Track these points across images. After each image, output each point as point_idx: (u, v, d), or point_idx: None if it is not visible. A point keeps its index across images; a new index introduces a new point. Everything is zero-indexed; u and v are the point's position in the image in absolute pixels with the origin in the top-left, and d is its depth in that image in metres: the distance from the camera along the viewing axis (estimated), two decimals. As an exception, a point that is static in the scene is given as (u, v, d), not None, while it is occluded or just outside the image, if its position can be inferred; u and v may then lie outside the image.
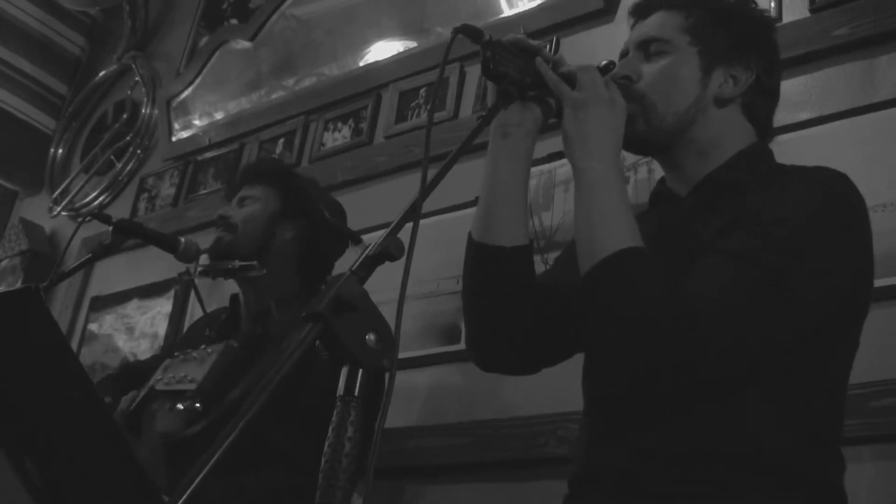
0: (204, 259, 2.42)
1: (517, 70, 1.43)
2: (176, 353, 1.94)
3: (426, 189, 1.17)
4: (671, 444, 1.32)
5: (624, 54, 1.56)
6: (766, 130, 1.57)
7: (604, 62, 1.48)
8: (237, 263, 2.25)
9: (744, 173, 1.47)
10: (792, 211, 1.33)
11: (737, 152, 1.50)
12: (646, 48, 1.53)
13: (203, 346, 1.87)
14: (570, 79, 1.43)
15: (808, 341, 1.33)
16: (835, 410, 1.39)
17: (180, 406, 1.82)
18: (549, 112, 1.52)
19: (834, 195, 1.37)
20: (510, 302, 1.50)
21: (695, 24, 1.52)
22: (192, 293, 3.38)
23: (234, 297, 2.44)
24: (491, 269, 1.50)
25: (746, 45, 1.53)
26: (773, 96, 1.58)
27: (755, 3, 1.60)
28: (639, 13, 1.59)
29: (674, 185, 1.56)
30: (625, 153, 1.52)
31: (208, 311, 2.55)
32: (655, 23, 1.54)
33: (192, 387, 1.79)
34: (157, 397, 1.92)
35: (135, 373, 2.45)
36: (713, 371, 1.26)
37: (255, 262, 2.25)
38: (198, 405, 1.79)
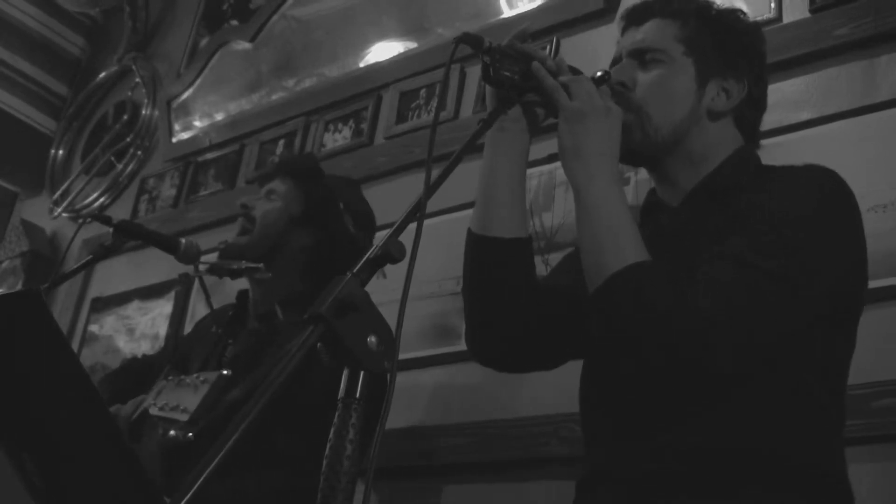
0: (209, 257, 2.41)
1: (517, 75, 1.43)
2: (170, 377, 1.94)
3: (429, 190, 1.17)
4: (684, 442, 1.32)
5: (617, 60, 1.56)
6: (752, 136, 1.58)
7: (598, 73, 1.48)
8: (244, 264, 2.25)
9: (735, 177, 1.47)
10: (787, 211, 1.34)
11: (725, 158, 1.50)
12: (641, 56, 1.53)
13: (196, 375, 1.87)
14: (564, 89, 1.42)
15: (811, 337, 1.34)
16: (838, 408, 1.40)
17: (172, 433, 1.82)
18: (536, 122, 1.53)
19: (827, 193, 1.38)
20: (509, 294, 1.50)
21: (690, 35, 1.52)
22: (194, 294, 3.39)
23: (241, 294, 2.43)
24: (490, 261, 1.51)
25: (739, 58, 1.53)
26: (761, 106, 1.59)
27: (745, 13, 1.60)
28: (633, 19, 1.58)
29: (665, 196, 1.56)
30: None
31: (212, 306, 2.54)
32: (651, 30, 1.54)
33: (185, 417, 1.79)
34: (151, 418, 1.93)
35: (135, 372, 2.44)
36: (722, 369, 1.26)
37: (261, 265, 2.24)
38: (190, 435, 1.79)
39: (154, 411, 1.88)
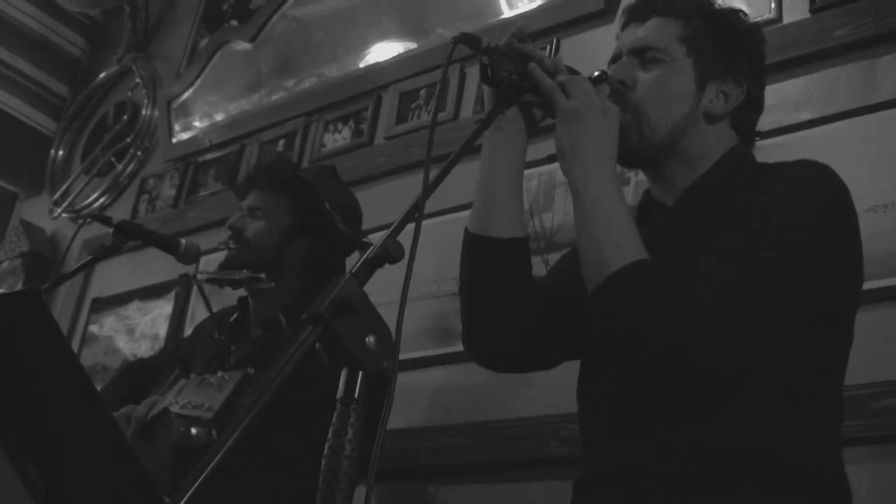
0: (207, 265, 2.40)
1: (514, 75, 1.43)
2: (192, 375, 1.93)
3: (427, 190, 1.17)
4: (684, 442, 1.32)
5: (617, 57, 1.56)
6: (748, 136, 1.58)
7: (595, 73, 1.48)
8: (245, 274, 2.24)
9: (730, 175, 1.47)
10: (787, 213, 1.34)
11: (720, 157, 1.50)
12: (641, 55, 1.52)
13: (221, 374, 1.85)
14: (562, 89, 1.42)
15: (810, 336, 1.34)
16: (837, 407, 1.40)
17: (194, 431, 1.80)
18: (534, 123, 1.53)
19: (825, 194, 1.38)
20: (507, 294, 1.50)
21: (692, 35, 1.52)
22: (194, 295, 3.38)
23: (242, 300, 2.43)
24: (487, 261, 1.50)
25: (739, 59, 1.53)
26: (758, 107, 1.59)
27: (746, 13, 1.60)
28: (635, 16, 1.57)
29: (660, 196, 1.56)
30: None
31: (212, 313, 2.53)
32: (653, 29, 1.53)
33: (210, 415, 1.77)
34: (171, 416, 1.91)
35: (135, 372, 2.44)
36: (722, 369, 1.27)
37: (262, 275, 2.23)
38: (214, 432, 1.77)
39: (175, 409, 1.86)
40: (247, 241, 2.31)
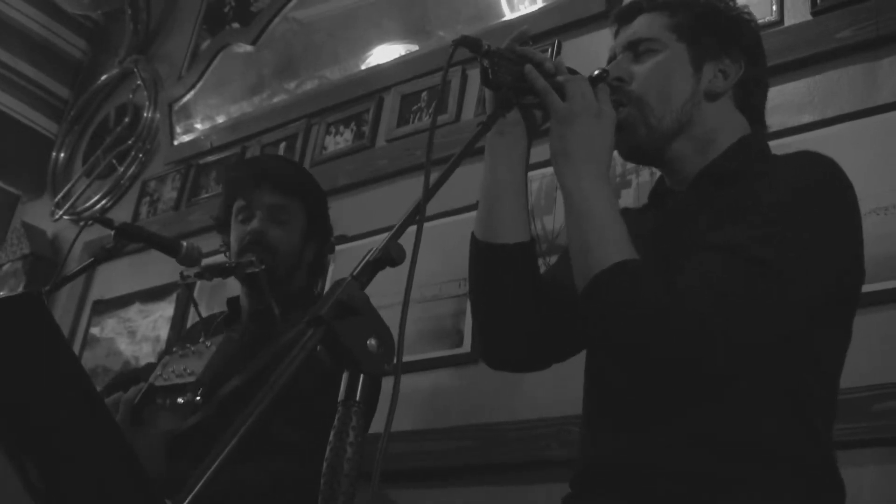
0: (210, 260, 2.40)
1: (515, 77, 1.44)
2: (174, 349, 1.93)
3: (429, 193, 1.17)
4: (685, 435, 1.32)
5: (612, 59, 1.57)
6: (759, 120, 1.58)
7: (596, 72, 1.48)
8: (234, 261, 2.24)
9: (738, 164, 1.47)
10: (782, 201, 1.34)
11: (731, 144, 1.50)
12: (634, 49, 1.54)
13: (202, 340, 1.85)
14: (560, 90, 1.42)
15: (807, 335, 1.33)
16: (831, 401, 1.40)
17: (180, 400, 1.80)
18: (536, 125, 1.53)
19: (822, 183, 1.38)
20: (516, 298, 1.51)
21: (680, 23, 1.53)
22: (196, 295, 3.37)
23: (231, 300, 2.43)
24: (495, 267, 1.51)
25: (732, 40, 1.54)
26: (762, 86, 1.59)
27: (734, 0, 1.61)
28: (622, 19, 1.60)
29: (673, 183, 1.56)
30: (618, 158, 1.53)
31: (205, 316, 2.54)
32: (642, 24, 1.55)
33: (192, 379, 1.77)
34: (158, 393, 1.91)
35: (125, 379, 2.43)
36: (711, 366, 1.26)
37: (253, 258, 2.22)
38: (198, 398, 1.78)
39: (160, 382, 1.86)
40: (274, 251, 2.27)
